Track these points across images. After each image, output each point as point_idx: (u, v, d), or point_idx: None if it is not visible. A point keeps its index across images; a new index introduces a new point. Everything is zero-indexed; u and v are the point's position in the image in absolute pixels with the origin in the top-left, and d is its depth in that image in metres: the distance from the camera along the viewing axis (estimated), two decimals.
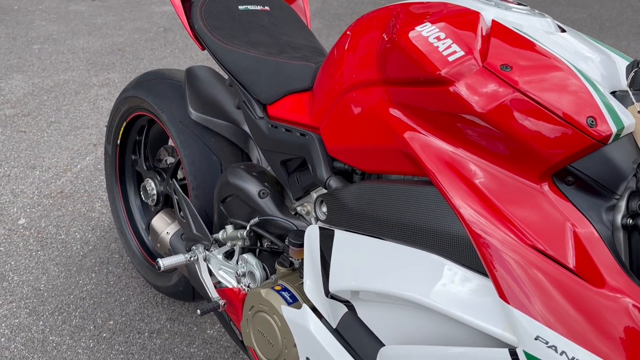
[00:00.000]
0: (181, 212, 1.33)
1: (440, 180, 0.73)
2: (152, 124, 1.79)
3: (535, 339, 0.63)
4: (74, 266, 1.97)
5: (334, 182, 0.94)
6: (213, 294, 1.26)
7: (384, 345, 0.85)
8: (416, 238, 0.78)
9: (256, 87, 1.16)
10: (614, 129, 0.64)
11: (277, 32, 1.29)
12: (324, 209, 0.96)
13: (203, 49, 1.29)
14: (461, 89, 0.70)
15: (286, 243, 1.06)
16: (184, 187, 1.62)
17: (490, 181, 0.71)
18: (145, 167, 1.75)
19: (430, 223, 0.76)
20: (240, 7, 1.32)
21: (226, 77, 1.31)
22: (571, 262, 0.63)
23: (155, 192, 1.68)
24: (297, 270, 1.10)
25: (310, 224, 1.10)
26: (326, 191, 0.96)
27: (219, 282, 1.29)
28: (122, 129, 1.80)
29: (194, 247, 1.33)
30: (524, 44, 0.72)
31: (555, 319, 0.61)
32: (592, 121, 0.65)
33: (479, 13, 0.78)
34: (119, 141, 1.84)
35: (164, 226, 1.45)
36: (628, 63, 0.78)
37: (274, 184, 1.21)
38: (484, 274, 0.70)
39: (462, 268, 0.73)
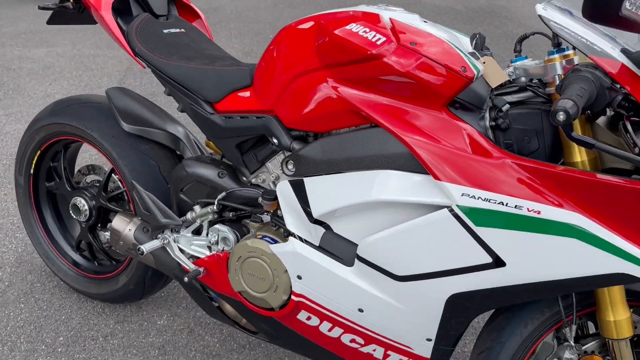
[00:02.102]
0: (143, 208, 1.55)
1: (383, 120, 1.14)
2: (67, 149, 1.93)
3: (462, 195, 1.07)
4: None
5: (297, 145, 1.30)
6: (190, 266, 1.52)
7: (357, 244, 1.24)
8: (370, 163, 1.18)
9: (203, 91, 1.45)
10: (476, 72, 1.12)
11: (200, 48, 1.59)
12: (290, 166, 1.31)
13: (144, 67, 1.54)
14: (390, 60, 1.12)
15: (259, 202, 1.38)
16: (120, 195, 1.81)
17: (412, 114, 1.14)
18: (69, 189, 1.89)
19: (379, 150, 1.16)
20: (164, 31, 1.59)
21: (164, 88, 1.57)
22: (468, 149, 1.09)
23: (87, 207, 1.83)
24: (267, 224, 1.43)
25: (266, 188, 1.44)
26: (290, 153, 1.31)
27: (192, 256, 1.55)
28: (35, 157, 1.91)
29: (160, 235, 1.57)
30: (414, 30, 1.17)
31: (469, 181, 1.06)
32: (464, 69, 1.11)
33: (380, 14, 1.21)
34: (32, 170, 1.94)
35: (124, 225, 1.63)
36: (467, 37, 1.29)
37: (227, 166, 1.51)
38: (419, 172, 1.13)
39: (405, 172, 1.14)
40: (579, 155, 1.07)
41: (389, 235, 1.17)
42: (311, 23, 1.29)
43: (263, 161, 1.43)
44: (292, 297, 1.35)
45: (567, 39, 1.02)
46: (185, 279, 1.47)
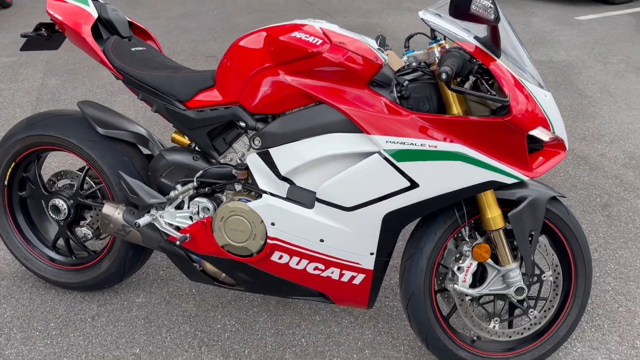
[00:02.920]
0: (131, 192, 1.89)
1: (326, 98, 1.62)
2: (39, 159, 2.20)
3: (386, 142, 1.57)
4: None
5: (260, 125, 1.74)
6: (178, 235, 1.88)
7: (315, 192, 1.70)
8: (319, 130, 1.64)
9: (175, 92, 1.84)
10: (384, 61, 1.63)
11: (162, 61, 1.97)
12: (257, 142, 1.74)
13: (123, 78, 1.89)
14: (327, 55, 1.60)
15: (233, 173, 1.79)
16: (94, 193, 2.12)
17: (345, 92, 1.62)
18: (46, 193, 2.16)
19: (324, 120, 1.63)
20: (132, 49, 1.95)
21: (137, 96, 1.93)
22: (385, 111, 1.60)
23: (65, 206, 2.11)
24: (240, 191, 1.84)
25: (234, 165, 1.86)
26: (255, 132, 1.74)
27: (177, 227, 1.92)
28: (9, 169, 2.15)
29: (147, 213, 1.92)
30: (339, 34, 1.66)
31: (389, 133, 1.56)
32: (376, 59, 1.62)
33: (312, 24, 1.70)
34: (6, 182, 2.18)
35: (113, 210, 1.94)
36: (372, 39, 1.82)
37: (198, 152, 1.91)
38: (354, 132, 1.62)
39: (344, 133, 1.63)
40: (456, 108, 1.63)
41: (338, 179, 1.65)
42: (261, 34, 1.74)
43: (230, 143, 1.85)
44: (268, 240, 1.78)
45: (441, 32, 1.57)
46: (178, 242, 1.84)
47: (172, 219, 1.91)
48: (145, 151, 2.12)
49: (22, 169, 2.19)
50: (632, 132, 3.62)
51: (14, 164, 2.14)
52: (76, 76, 4.76)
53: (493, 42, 1.53)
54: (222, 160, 1.89)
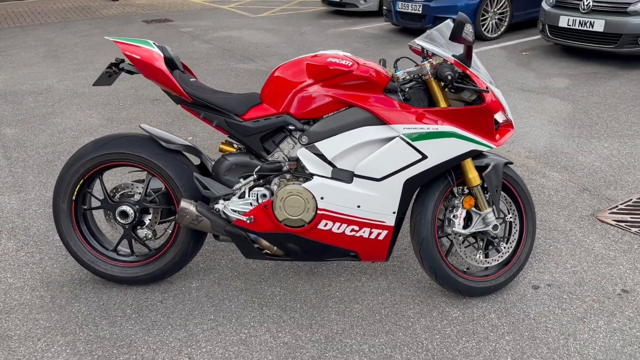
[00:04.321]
0: (204, 188, 2.42)
1: (356, 102, 2.30)
2: (101, 175, 2.63)
3: (404, 129, 2.28)
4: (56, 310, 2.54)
5: (306, 126, 2.37)
6: (243, 218, 2.43)
7: (353, 171, 2.35)
8: (352, 126, 2.31)
9: (233, 109, 2.42)
10: (390, 75, 2.36)
11: (210, 88, 2.54)
12: (304, 139, 2.36)
13: (192, 101, 2.42)
14: (357, 72, 2.28)
15: (286, 165, 2.38)
16: (167, 194, 2.60)
17: (369, 97, 2.31)
18: (112, 202, 2.59)
19: (356, 118, 2.31)
20: (190, 79, 2.50)
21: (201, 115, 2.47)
22: (399, 108, 2.30)
23: (132, 211, 2.57)
24: (291, 178, 2.43)
25: (283, 161, 2.46)
26: (302, 132, 2.37)
27: (240, 212, 2.46)
28: (78, 186, 2.57)
29: (216, 204, 2.45)
30: (358, 58, 2.36)
31: (404, 122, 2.27)
32: (386, 74, 2.33)
33: (338, 53, 2.38)
34: (74, 197, 2.58)
35: (189, 205, 2.42)
36: (376, 61, 2.55)
37: (253, 154, 2.48)
38: (379, 124, 2.30)
39: (372, 126, 2.30)
40: (443, 103, 2.38)
41: (371, 158, 2.32)
42: (299, 62, 2.40)
43: (278, 144, 2.46)
44: (318, 212, 2.39)
45: (433, 51, 2.34)
46: (247, 221, 2.39)
47: (237, 206, 2.46)
48: (195, 160, 2.65)
49: (87, 185, 2.61)
50: (526, 134, 4.68)
51: (82, 180, 2.56)
52: (30, 125, 5.01)
53: (467, 57, 2.32)
54: (270, 159, 2.48)
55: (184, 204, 2.45)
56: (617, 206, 3.50)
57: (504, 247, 2.62)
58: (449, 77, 2.21)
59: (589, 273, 2.80)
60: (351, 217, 2.40)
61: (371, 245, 2.48)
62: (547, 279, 2.76)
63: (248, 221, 2.42)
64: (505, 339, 2.35)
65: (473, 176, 2.46)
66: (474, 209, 2.51)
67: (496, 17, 8.21)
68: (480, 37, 8.11)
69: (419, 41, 2.37)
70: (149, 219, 2.63)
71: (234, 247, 3.05)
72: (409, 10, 8.38)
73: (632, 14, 6.14)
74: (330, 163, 2.36)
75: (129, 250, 2.70)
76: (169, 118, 5.15)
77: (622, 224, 3.27)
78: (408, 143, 2.30)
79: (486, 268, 2.65)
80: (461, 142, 2.33)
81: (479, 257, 2.58)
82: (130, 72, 2.52)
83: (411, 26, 8.52)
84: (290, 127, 2.40)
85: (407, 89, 2.42)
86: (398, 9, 8.53)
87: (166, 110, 5.41)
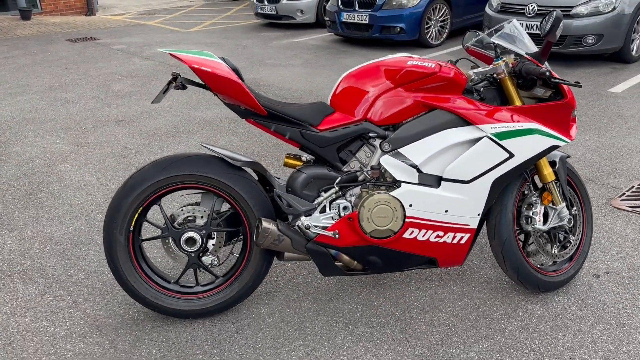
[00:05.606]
0: (286, 205, 2.24)
1: (440, 104, 2.25)
2: (159, 201, 2.38)
3: (491, 128, 2.25)
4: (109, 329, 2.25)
5: (388, 133, 2.28)
6: (327, 233, 2.28)
7: (441, 175, 2.28)
8: (437, 129, 2.25)
9: (308, 120, 2.27)
10: (467, 77, 2.34)
11: (275, 99, 2.37)
12: (387, 146, 2.26)
13: (266, 113, 2.24)
14: (441, 74, 2.22)
15: (369, 173, 2.27)
16: (234, 215, 2.39)
17: (451, 98, 2.27)
18: (176, 229, 2.34)
19: (440, 120, 2.25)
20: (256, 91, 2.32)
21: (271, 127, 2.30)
22: (481, 107, 2.28)
23: (199, 237, 2.34)
24: (373, 189, 2.32)
25: (360, 170, 2.35)
26: (383, 139, 2.27)
27: (324, 227, 2.31)
28: (136, 215, 2.30)
29: (297, 222, 2.28)
30: (436, 61, 2.31)
31: (490, 121, 2.25)
32: (464, 75, 2.31)
33: (412, 55, 2.31)
34: (132, 227, 2.31)
35: (270, 224, 2.22)
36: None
37: (329, 165, 2.35)
38: (464, 125, 2.26)
39: (457, 127, 2.26)
40: (518, 101, 2.39)
41: (460, 161, 2.28)
42: (374, 67, 2.31)
43: (354, 153, 2.35)
44: (406, 220, 2.30)
45: (512, 49, 2.34)
46: (335, 236, 2.25)
47: (319, 221, 2.31)
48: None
49: (144, 214, 2.34)
50: None
51: (141, 208, 2.30)
52: None
53: (543, 54, 2.34)
54: (345, 169, 2.37)
55: (266, 224, 2.27)
56: (624, 193, 3.70)
57: (573, 240, 2.66)
58: (547, 73, 2.22)
59: (636, 258, 2.91)
60: (438, 222, 2.34)
61: (452, 249, 2.42)
62: (603, 268, 2.84)
63: (335, 236, 2.29)
64: (596, 329, 2.38)
65: (548, 172, 2.49)
66: (550, 204, 2.53)
67: (438, 24, 8.51)
68: (425, 45, 8.37)
69: (495, 39, 2.37)
70: (213, 244, 2.41)
71: (289, 266, 2.88)
72: (355, 21, 8.48)
73: (575, 17, 6.60)
74: (416, 168, 2.29)
75: (192, 281, 2.45)
76: (143, 139, 4.82)
77: (638, 209, 3.46)
78: (496, 142, 2.28)
79: (554, 262, 2.69)
80: (544, 139, 2.35)
81: (555, 251, 2.61)
82: (183, 87, 2.30)
83: (358, 36, 8.62)
84: (371, 135, 2.30)
85: (481, 88, 2.41)
86: (343, 20, 8.61)
87: (137, 130, 5.06)
